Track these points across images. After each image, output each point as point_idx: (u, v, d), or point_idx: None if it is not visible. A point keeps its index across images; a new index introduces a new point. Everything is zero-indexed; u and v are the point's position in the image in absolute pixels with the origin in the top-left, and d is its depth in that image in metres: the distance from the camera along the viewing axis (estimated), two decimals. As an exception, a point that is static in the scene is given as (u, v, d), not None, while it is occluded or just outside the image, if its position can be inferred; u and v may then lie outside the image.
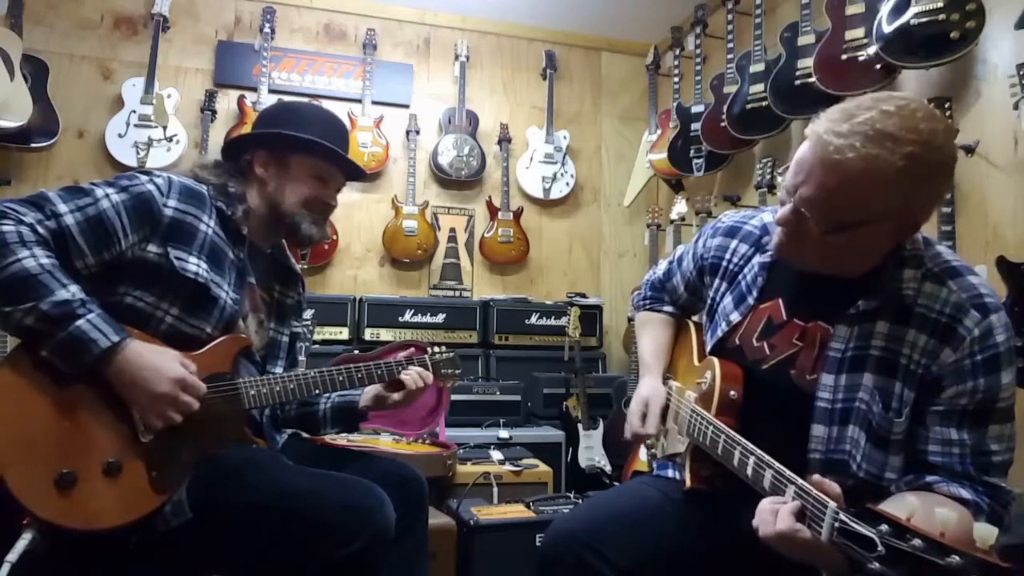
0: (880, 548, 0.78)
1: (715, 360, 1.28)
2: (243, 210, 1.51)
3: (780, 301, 1.25)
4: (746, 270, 1.32)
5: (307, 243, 1.62)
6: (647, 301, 1.62)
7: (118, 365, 1.25)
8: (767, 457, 1.04)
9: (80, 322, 1.22)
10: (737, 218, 1.40)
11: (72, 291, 1.23)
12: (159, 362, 1.28)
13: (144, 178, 1.40)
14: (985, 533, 0.74)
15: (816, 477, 0.92)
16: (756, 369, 1.25)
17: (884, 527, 0.79)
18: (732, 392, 1.23)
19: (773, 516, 0.95)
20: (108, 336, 1.24)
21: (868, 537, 0.80)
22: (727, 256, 1.37)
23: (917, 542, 0.75)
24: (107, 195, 1.34)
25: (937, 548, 0.74)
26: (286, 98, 3.08)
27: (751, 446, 1.08)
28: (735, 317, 1.30)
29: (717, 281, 1.38)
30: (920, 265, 1.12)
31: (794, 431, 1.16)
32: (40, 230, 1.26)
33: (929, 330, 1.08)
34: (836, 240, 1.06)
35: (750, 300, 1.29)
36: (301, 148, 1.56)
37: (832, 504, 0.87)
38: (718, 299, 1.37)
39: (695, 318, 1.57)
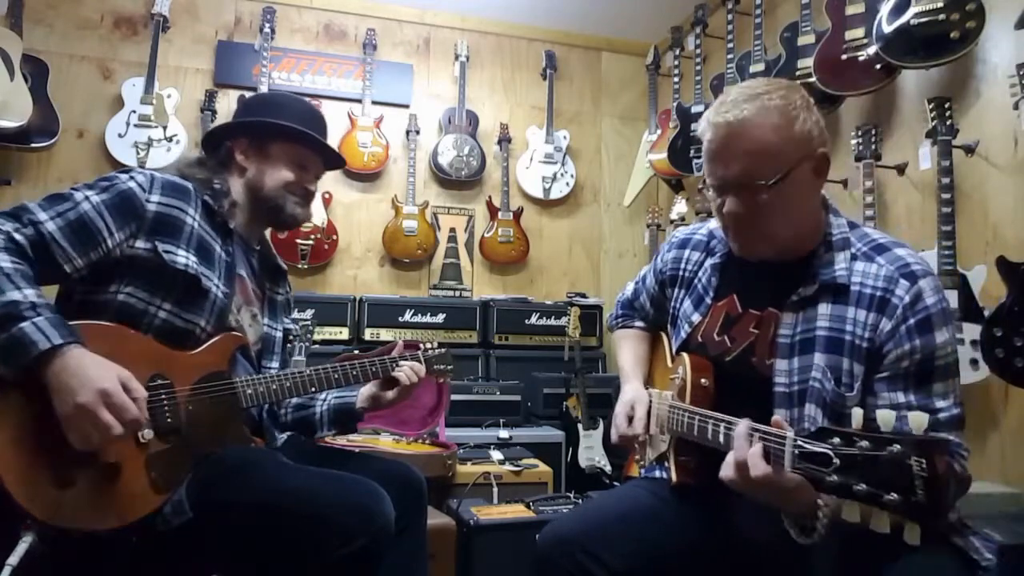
0: (836, 461, 0.86)
1: (685, 355, 1.36)
2: (229, 203, 1.52)
3: (734, 296, 1.34)
4: (700, 273, 1.43)
5: (292, 223, 1.64)
6: (620, 319, 1.71)
7: (52, 370, 1.15)
8: (732, 418, 1.11)
9: (24, 324, 1.14)
10: (687, 231, 1.53)
11: (26, 294, 1.18)
12: (92, 372, 1.16)
13: (124, 176, 1.41)
14: (919, 420, 0.83)
15: (776, 418, 1.02)
16: (721, 361, 1.33)
17: (836, 439, 0.87)
18: (703, 380, 1.31)
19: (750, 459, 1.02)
20: (50, 339, 1.15)
21: (824, 454, 0.88)
22: (682, 265, 1.48)
23: (864, 443, 0.84)
24: (87, 197, 1.34)
25: (880, 442, 0.82)
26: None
27: (719, 415, 1.16)
28: (696, 318, 1.40)
29: (676, 290, 1.49)
30: (848, 246, 1.23)
31: (763, 416, 1.20)
32: (17, 237, 1.25)
33: (866, 305, 1.17)
34: (783, 194, 1.17)
35: (708, 300, 1.39)
36: (280, 135, 1.58)
37: (789, 433, 0.95)
38: (678, 306, 1.47)
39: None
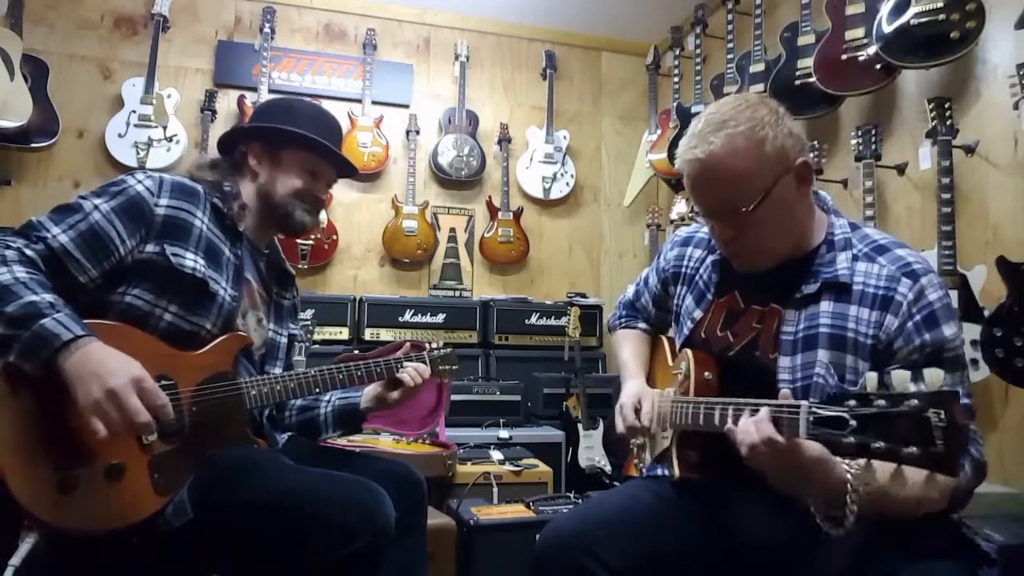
0: (852, 422, 0.86)
1: (687, 350, 1.37)
2: (238, 206, 1.52)
3: (737, 293, 1.36)
4: (701, 270, 1.45)
5: (300, 230, 1.63)
6: (622, 320, 1.72)
7: (78, 359, 1.16)
8: (739, 400, 1.10)
9: (45, 320, 1.16)
10: (689, 229, 1.54)
11: (42, 296, 1.19)
12: (112, 363, 1.18)
13: (132, 180, 1.40)
14: (934, 376, 0.83)
15: (785, 391, 1.03)
16: (724, 356, 1.33)
17: (851, 402, 0.87)
18: (707, 374, 1.32)
19: (754, 426, 1.00)
20: (72, 331, 1.17)
21: (839, 417, 0.87)
22: (684, 262, 1.50)
23: (881, 402, 0.84)
24: (96, 207, 1.34)
25: (897, 399, 0.83)
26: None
27: (724, 399, 1.15)
28: (698, 314, 1.41)
29: (679, 287, 1.50)
30: (850, 247, 1.25)
31: None
32: (28, 252, 1.25)
33: (869, 303, 1.19)
34: (768, 213, 1.19)
35: (709, 296, 1.41)
36: (294, 142, 1.57)
37: (804, 402, 0.95)
38: (680, 303, 1.49)
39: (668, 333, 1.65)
